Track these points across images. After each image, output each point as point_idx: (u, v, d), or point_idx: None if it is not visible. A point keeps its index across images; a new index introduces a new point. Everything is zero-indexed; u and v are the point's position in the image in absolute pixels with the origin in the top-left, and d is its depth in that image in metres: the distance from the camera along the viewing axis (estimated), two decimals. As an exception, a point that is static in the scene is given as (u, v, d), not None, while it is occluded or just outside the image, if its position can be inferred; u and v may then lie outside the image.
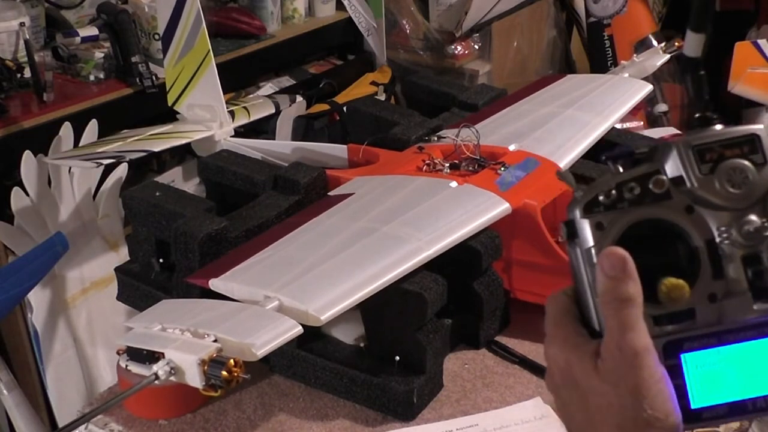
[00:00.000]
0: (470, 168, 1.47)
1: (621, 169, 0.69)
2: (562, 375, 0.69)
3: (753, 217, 0.66)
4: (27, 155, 1.75)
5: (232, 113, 1.84)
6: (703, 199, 0.66)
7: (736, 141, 0.66)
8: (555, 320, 0.70)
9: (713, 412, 0.66)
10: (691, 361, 0.66)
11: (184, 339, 1.03)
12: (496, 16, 2.77)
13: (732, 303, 0.66)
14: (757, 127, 0.67)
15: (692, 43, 0.68)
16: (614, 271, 0.65)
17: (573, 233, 0.68)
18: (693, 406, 0.66)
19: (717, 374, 0.66)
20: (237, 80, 2.28)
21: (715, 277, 0.66)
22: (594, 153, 1.57)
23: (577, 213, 0.68)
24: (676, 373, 0.66)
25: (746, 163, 0.66)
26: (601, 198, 0.67)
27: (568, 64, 3.20)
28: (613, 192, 0.67)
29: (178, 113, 1.82)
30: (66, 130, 1.80)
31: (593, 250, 0.67)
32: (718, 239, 0.66)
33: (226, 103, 1.80)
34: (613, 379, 0.65)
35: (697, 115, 0.69)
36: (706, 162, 0.66)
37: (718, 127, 0.67)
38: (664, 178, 0.67)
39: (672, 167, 0.67)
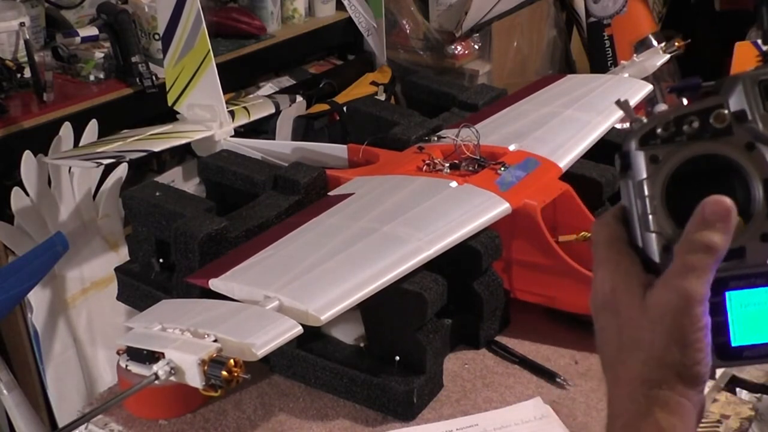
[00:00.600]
0: (470, 168, 1.47)
1: (685, 102, 0.67)
2: (605, 299, 0.69)
3: None
4: (27, 155, 1.75)
5: (232, 113, 1.84)
6: (766, 136, 0.65)
7: None
8: (607, 245, 0.69)
9: (754, 351, 0.66)
10: (735, 299, 0.66)
11: (184, 339, 1.03)
12: (496, 16, 2.77)
13: None
14: None
15: None
16: (714, 217, 0.63)
17: (627, 165, 0.67)
18: (734, 343, 0.66)
19: (762, 314, 0.66)
20: (237, 80, 2.28)
21: None
22: (594, 153, 1.57)
23: (633, 144, 0.66)
24: (718, 310, 0.65)
25: None
26: (658, 131, 0.66)
27: (568, 64, 3.20)
28: (672, 125, 0.65)
29: (178, 113, 1.82)
30: (66, 130, 1.80)
31: (645, 183, 0.66)
32: None
33: (226, 103, 1.80)
34: (655, 315, 0.65)
35: (766, 48, 0.68)
36: None
37: None
38: (726, 112, 0.65)
39: (735, 102, 0.66)
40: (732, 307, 0.66)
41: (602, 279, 0.69)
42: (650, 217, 0.66)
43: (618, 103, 0.71)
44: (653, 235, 0.66)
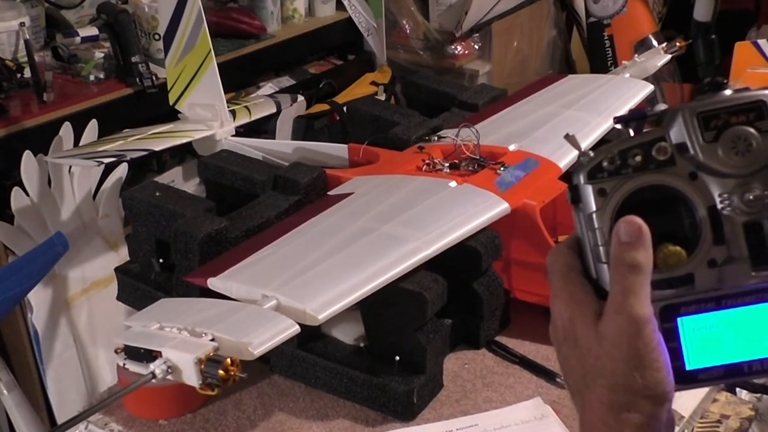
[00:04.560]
0: (470, 168, 1.47)
1: (632, 132, 0.69)
2: (565, 330, 0.70)
3: (756, 185, 0.66)
4: (27, 155, 1.75)
5: (233, 112, 1.84)
6: (706, 166, 0.67)
7: (742, 107, 0.66)
8: (561, 274, 0.71)
9: (708, 374, 0.68)
10: (687, 325, 0.67)
11: (181, 338, 1.03)
12: (496, 16, 2.77)
13: (731, 269, 0.67)
14: (765, 93, 0.67)
15: (702, 8, 0.69)
16: (628, 237, 0.65)
17: (576, 198, 0.69)
18: (688, 367, 0.67)
19: (714, 337, 0.67)
20: (237, 80, 2.28)
21: (715, 242, 0.67)
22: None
23: (581, 178, 0.68)
24: (671, 336, 0.67)
25: (751, 130, 0.66)
26: (605, 164, 0.68)
27: (568, 64, 3.20)
28: (617, 158, 0.67)
29: (180, 112, 1.82)
30: (66, 130, 1.80)
31: (594, 216, 0.68)
32: (719, 206, 0.67)
33: (228, 102, 1.80)
34: (609, 344, 0.66)
35: (706, 80, 0.69)
36: (710, 129, 0.67)
37: (727, 92, 0.67)
38: (667, 145, 0.67)
39: (677, 133, 0.68)
40: (684, 332, 0.67)
41: (559, 310, 0.71)
42: (601, 248, 0.68)
43: (566, 137, 0.74)
44: (605, 266, 0.68)
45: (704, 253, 0.67)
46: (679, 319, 0.67)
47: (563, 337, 0.71)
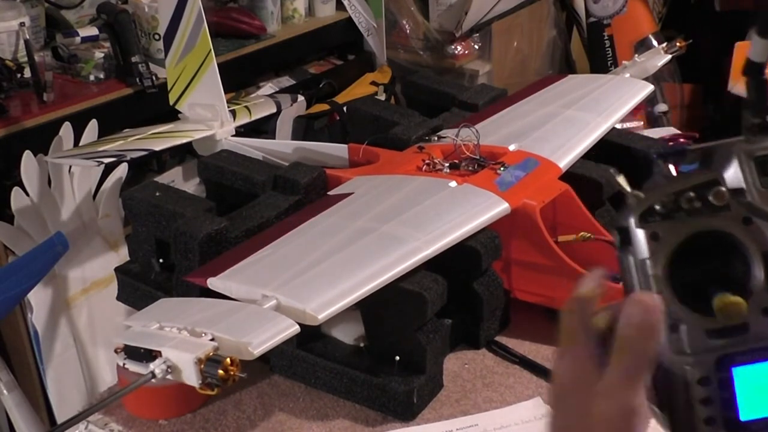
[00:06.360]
0: (470, 168, 1.47)
1: (672, 169, 0.67)
2: (563, 391, 0.69)
3: None
4: (27, 155, 1.75)
5: (233, 112, 1.84)
6: (763, 211, 0.65)
7: None
8: (569, 335, 0.69)
9: (760, 425, 0.66)
10: (742, 375, 0.65)
11: (181, 337, 1.03)
12: (496, 16, 2.77)
13: None
14: None
15: (759, 48, 0.69)
16: (642, 323, 0.63)
17: (627, 241, 0.67)
18: (742, 418, 0.65)
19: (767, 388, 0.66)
20: (237, 80, 2.28)
21: None
22: (594, 153, 1.57)
23: (632, 221, 0.66)
24: (726, 386, 0.65)
25: None
26: (657, 207, 0.66)
27: (568, 64, 3.20)
28: (671, 202, 0.65)
29: (180, 112, 1.82)
30: (66, 130, 1.80)
31: (648, 262, 0.65)
32: None
33: (228, 102, 1.80)
34: (602, 428, 0.65)
35: (757, 121, 0.68)
36: (767, 174, 0.66)
37: None
38: (725, 190, 0.65)
39: (732, 177, 0.66)
40: (739, 382, 0.65)
41: (562, 370, 0.69)
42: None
43: (610, 174, 0.71)
44: None
45: (759, 300, 0.64)
46: (734, 369, 0.65)
47: (557, 399, 0.69)
